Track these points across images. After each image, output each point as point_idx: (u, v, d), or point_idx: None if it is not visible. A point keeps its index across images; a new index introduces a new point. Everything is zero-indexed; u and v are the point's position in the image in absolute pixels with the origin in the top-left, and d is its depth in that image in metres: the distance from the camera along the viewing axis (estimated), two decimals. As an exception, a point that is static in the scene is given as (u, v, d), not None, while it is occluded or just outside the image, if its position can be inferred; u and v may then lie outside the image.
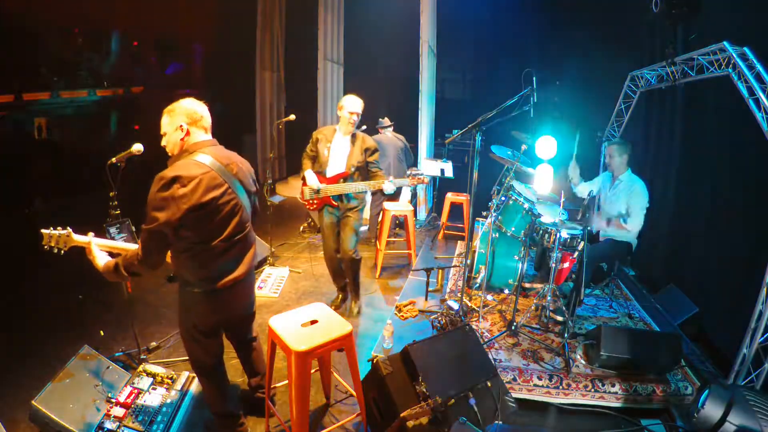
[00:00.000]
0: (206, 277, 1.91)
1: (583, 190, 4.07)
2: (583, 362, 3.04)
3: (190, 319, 2.02)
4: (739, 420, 2.00)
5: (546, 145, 4.83)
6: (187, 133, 1.89)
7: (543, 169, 4.64)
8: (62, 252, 2.04)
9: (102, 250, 2.05)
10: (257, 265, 3.87)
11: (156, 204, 1.72)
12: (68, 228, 2.05)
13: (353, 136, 3.34)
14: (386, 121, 5.34)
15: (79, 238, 2.05)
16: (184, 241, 1.82)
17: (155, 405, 2.35)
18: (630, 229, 3.58)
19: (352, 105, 3.26)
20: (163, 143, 1.94)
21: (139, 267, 1.80)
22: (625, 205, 3.66)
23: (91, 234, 2.07)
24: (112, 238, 2.57)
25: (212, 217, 1.84)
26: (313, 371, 2.27)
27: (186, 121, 1.88)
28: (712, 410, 2.07)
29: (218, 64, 8.18)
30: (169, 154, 1.94)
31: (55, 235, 2.01)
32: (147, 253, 1.78)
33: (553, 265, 3.36)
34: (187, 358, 2.65)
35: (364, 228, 5.94)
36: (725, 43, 2.98)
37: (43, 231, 2.02)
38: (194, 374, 2.55)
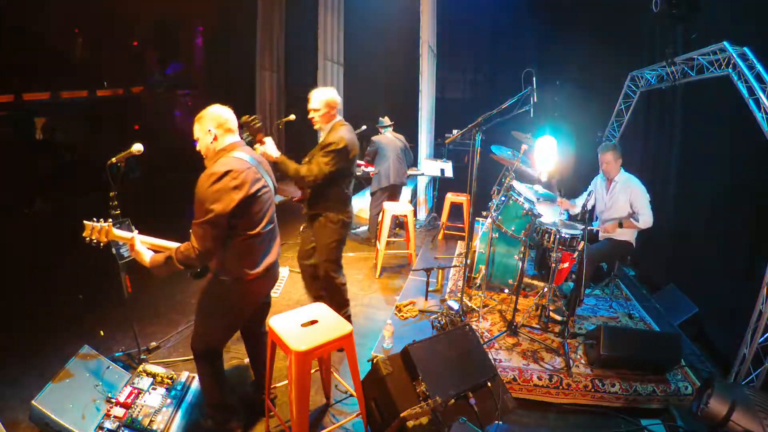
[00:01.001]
0: (248, 265, 2.04)
1: (579, 204, 4.04)
2: (583, 362, 3.04)
3: (222, 308, 2.12)
4: (742, 419, 2.00)
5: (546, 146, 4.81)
6: (215, 137, 2.02)
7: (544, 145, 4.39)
8: (101, 245, 2.10)
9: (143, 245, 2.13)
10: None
11: (210, 197, 1.85)
12: (109, 221, 2.10)
13: (331, 131, 2.91)
14: (386, 121, 5.34)
15: (119, 233, 2.11)
16: (232, 230, 1.95)
17: (155, 405, 2.35)
18: (644, 227, 3.56)
19: (309, 101, 2.92)
20: (198, 148, 2.08)
21: (194, 259, 1.91)
22: (627, 205, 3.65)
23: (135, 231, 2.19)
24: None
25: (256, 207, 2.00)
26: (313, 371, 2.27)
27: (213, 125, 2.01)
28: (716, 408, 2.07)
29: (218, 64, 8.19)
30: (204, 156, 2.08)
31: (97, 227, 2.05)
32: (203, 245, 1.88)
33: (553, 265, 3.36)
34: (187, 358, 2.66)
35: (363, 228, 5.95)
36: (725, 43, 2.98)
37: (86, 222, 2.05)
38: (194, 374, 2.55)
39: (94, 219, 2.07)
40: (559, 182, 4.54)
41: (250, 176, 1.94)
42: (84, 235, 2.05)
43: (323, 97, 2.90)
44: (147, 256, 2.04)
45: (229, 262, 2.02)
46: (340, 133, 2.83)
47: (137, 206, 3.11)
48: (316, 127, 2.98)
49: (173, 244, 2.07)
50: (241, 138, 2.20)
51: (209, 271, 2.11)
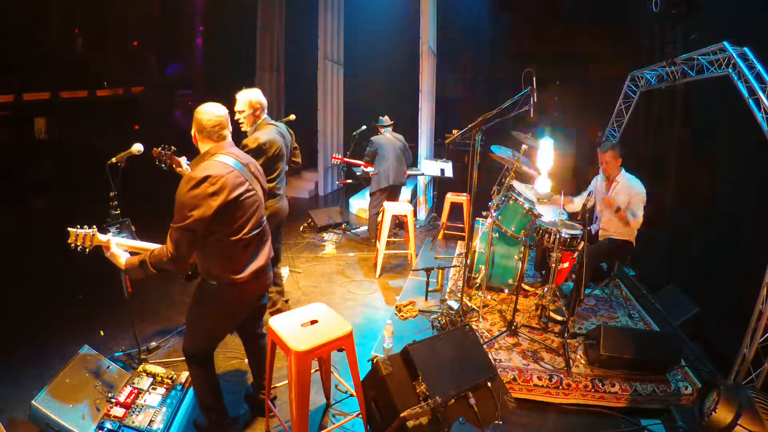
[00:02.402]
0: (233, 270, 2.02)
1: (578, 203, 4.03)
2: (583, 362, 3.04)
3: (212, 311, 2.11)
4: (747, 423, 2.00)
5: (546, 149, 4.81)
6: (195, 139, 2.03)
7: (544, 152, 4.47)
8: (87, 251, 2.09)
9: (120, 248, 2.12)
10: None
11: (188, 202, 1.83)
12: (94, 227, 2.10)
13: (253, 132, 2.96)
14: (386, 120, 5.33)
15: (102, 238, 2.11)
16: (213, 236, 1.94)
17: (155, 405, 2.35)
18: (635, 226, 3.56)
19: (236, 103, 2.90)
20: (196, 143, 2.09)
21: (168, 263, 1.89)
22: (626, 204, 3.64)
23: (110, 234, 2.19)
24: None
25: (238, 212, 1.97)
26: (313, 371, 2.27)
27: (200, 125, 2.01)
28: (723, 414, 2.07)
29: (218, 64, 8.18)
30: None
31: (81, 233, 2.05)
32: (178, 249, 1.87)
33: (553, 265, 3.36)
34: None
35: (363, 228, 5.95)
36: (725, 43, 2.98)
37: (70, 229, 2.04)
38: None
39: (78, 226, 2.05)
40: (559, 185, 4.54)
41: (230, 181, 1.91)
42: (69, 241, 2.03)
43: (247, 98, 2.90)
44: (122, 259, 2.03)
45: (214, 266, 2.01)
46: (256, 134, 2.87)
47: (137, 206, 3.11)
48: (242, 129, 2.97)
49: (153, 246, 2.05)
50: (162, 165, 2.33)
51: (198, 275, 2.11)
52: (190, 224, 1.83)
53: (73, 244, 2.05)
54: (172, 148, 2.63)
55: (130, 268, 1.99)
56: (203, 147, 2.03)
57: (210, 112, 2.01)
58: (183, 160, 2.72)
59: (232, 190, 1.91)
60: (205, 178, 1.85)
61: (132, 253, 2.08)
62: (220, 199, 1.86)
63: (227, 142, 2.06)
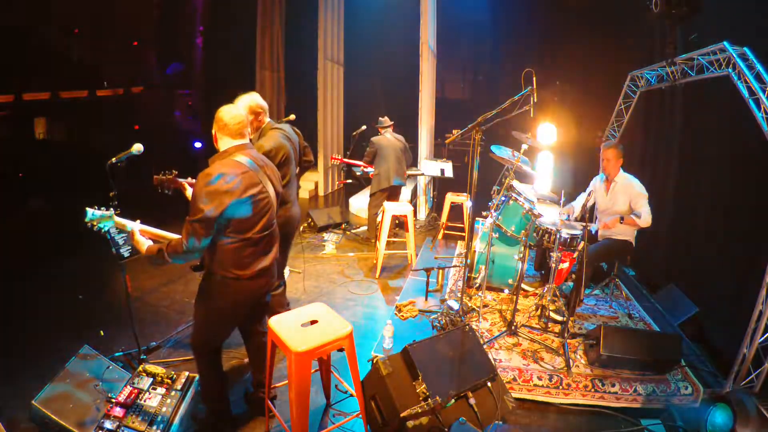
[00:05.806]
0: (239, 266, 2.08)
1: (578, 207, 4.03)
2: (583, 362, 3.04)
3: (215, 304, 2.17)
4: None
5: (546, 132, 4.83)
6: (215, 139, 2.10)
7: (543, 163, 4.58)
8: (102, 231, 2.20)
9: (144, 235, 2.23)
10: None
11: (203, 197, 1.91)
12: (111, 209, 2.20)
13: (259, 139, 2.90)
14: (386, 121, 5.32)
15: (122, 221, 2.21)
16: (223, 232, 2.01)
17: (155, 405, 2.35)
18: (644, 225, 3.54)
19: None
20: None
21: (182, 255, 1.98)
22: (626, 205, 3.64)
23: (138, 221, 2.28)
24: (112, 238, 2.58)
25: (250, 211, 2.03)
26: (313, 371, 2.27)
27: (215, 127, 2.09)
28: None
29: (218, 64, 8.18)
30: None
31: (98, 214, 2.14)
32: (191, 242, 1.94)
33: (553, 265, 3.36)
34: (187, 357, 2.67)
35: (363, 228, 5.95)
36: (725, 43, 2.98)
37: (88, 209, 2.13)
38: (194, 374, 2.55)
39: (95, 206, 2.16)
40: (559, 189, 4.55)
41: (244, 180, 1.98)
42: (85, 221, 2.14)
43: (246, 103, 2.82)
44: (144, 246, 2.13)
45: (221, 262, 2.06)
46: (260, 141, 2.82)
47: (137, 207, 3.11)
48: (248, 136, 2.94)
49: (174, 236, 2.14)
50: (166, 191, 2.42)
51: (205, 267, 2.16)
52: (202, 218, 1.90)
53: (89, 224, 2.16)
54: (174, 171, 2.62)
55: (150, 255, 2.08)
56: (222, 146, 2.09)
57: (232, 111, 2.09)
58: (186, 182, 2.68)
59: (246, 189, 1.98)
60: (220, 175, 1.92)
61: (154, 241, 2.18)
62: (233, 196, 1.93)
63: (246, 143, 2.13)
